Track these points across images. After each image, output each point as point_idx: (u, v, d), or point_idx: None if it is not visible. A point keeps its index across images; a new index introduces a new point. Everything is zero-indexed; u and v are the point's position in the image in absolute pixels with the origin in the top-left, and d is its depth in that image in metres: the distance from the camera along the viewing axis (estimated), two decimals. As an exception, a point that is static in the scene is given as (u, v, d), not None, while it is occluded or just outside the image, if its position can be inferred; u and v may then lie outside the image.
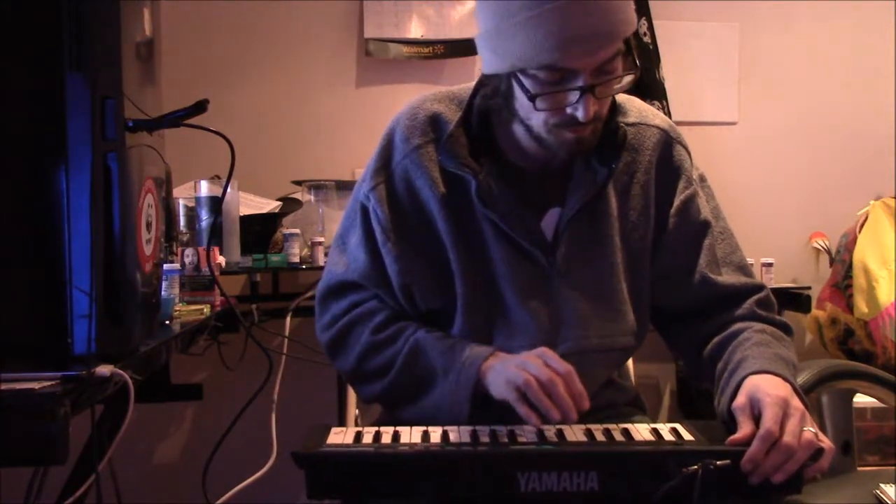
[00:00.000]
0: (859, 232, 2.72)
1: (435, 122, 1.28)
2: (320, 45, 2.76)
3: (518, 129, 1.22)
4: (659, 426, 1.11)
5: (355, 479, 0.99)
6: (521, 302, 1.24)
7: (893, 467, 1.17)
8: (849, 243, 2.74)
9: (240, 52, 2.71)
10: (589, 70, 1.11)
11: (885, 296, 2.58)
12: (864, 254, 2.67)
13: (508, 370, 1.12)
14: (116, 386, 1.04)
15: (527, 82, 1.14)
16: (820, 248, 2.95)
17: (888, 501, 1.03)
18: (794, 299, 2.58)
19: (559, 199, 1.26)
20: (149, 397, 1.89)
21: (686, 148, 1.35)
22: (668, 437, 1.07)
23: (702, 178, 1.35)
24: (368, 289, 1.31)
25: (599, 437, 1.07)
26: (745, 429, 1.03)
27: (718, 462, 0.97)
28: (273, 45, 2.74)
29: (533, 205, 1.27)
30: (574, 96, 1.12)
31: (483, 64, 1.21)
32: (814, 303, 2.72)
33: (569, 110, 1.13)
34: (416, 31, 2.77)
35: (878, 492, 1.06)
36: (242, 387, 1.75)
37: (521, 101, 1.17)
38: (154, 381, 1.87)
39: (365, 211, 1.30)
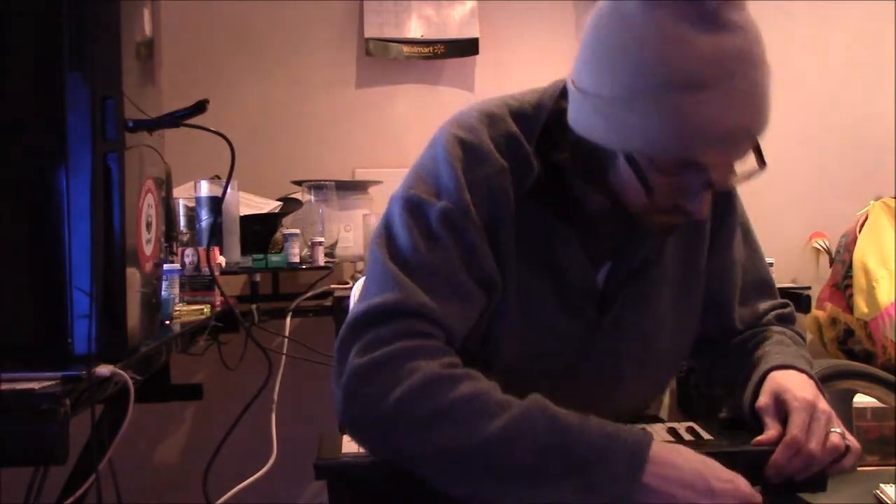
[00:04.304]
0: (859, 232, 2.72)
1: (513, 145, 1.08)
2: (320, 45, 2.76)
3: (594, 194, 1.06)
4: (676, 426, 1.11)
5: (383, 489, 0.96)
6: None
7: (893, 467, 1.16)
8: (849, 243, 2.74)
9: (240, 52, 2.71)
10: (721, 166, 0.97)
11: (885, 296, 2.58)
12: (864, 254, 2.67)
13: (710, 474, 0.90)
14: (116, 386, 1.04)
15: (642, 164, 0.96)
16: (820, 248, 2.95)
17: (888, 501, 1.03)
18: (794, 299, 2.57)
19: (611, 252, 1.13)
20: (149, 397, 1.89)
21: None
22: (686, 436, 1.07)
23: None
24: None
25: None
26: (771, 430, 1.02)
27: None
28: (273, 45, 2.74)
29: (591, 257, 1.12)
30: (694, 190, 0.97)
31: (579, 122, 1.00)
32: (814, 303, 2.72)
33: (681, 201, 0.99)
34: (416, 31, 2.77)
35: (878, 492, 1.05)
36: (242, 387, 1.75)
37: (622, 177, 0.99)
38: (154, 381, 1.87)
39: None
